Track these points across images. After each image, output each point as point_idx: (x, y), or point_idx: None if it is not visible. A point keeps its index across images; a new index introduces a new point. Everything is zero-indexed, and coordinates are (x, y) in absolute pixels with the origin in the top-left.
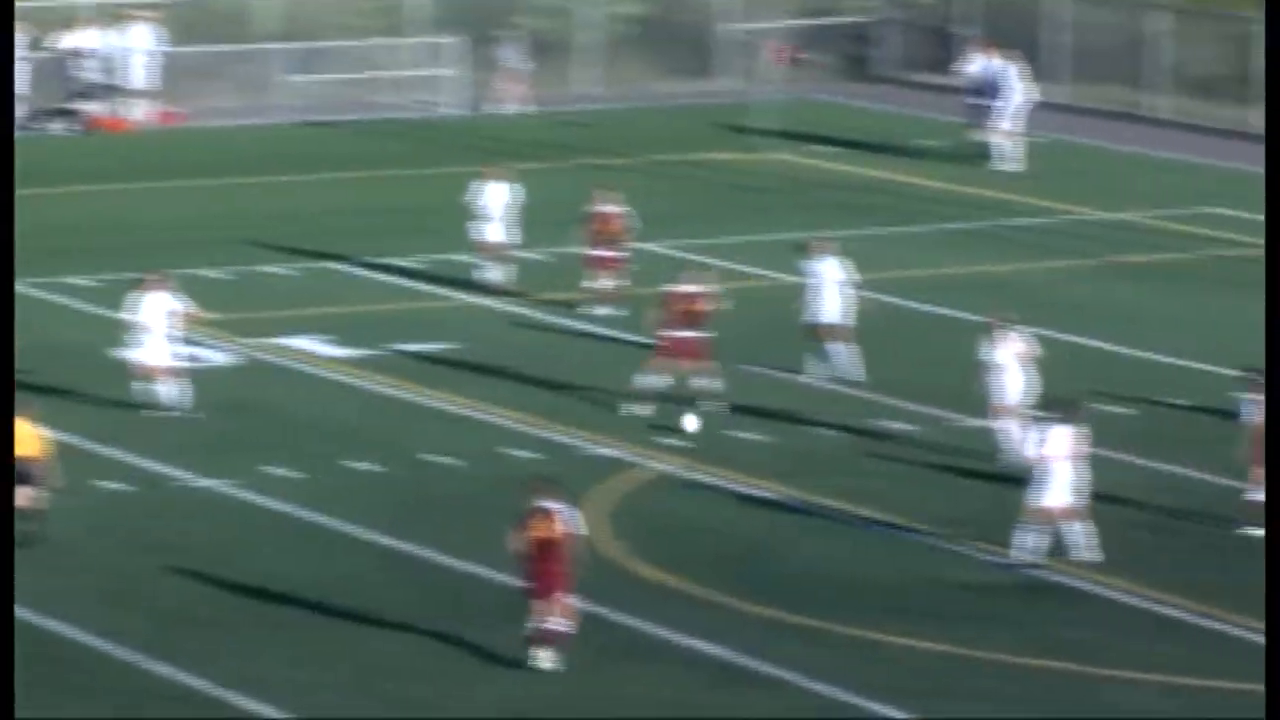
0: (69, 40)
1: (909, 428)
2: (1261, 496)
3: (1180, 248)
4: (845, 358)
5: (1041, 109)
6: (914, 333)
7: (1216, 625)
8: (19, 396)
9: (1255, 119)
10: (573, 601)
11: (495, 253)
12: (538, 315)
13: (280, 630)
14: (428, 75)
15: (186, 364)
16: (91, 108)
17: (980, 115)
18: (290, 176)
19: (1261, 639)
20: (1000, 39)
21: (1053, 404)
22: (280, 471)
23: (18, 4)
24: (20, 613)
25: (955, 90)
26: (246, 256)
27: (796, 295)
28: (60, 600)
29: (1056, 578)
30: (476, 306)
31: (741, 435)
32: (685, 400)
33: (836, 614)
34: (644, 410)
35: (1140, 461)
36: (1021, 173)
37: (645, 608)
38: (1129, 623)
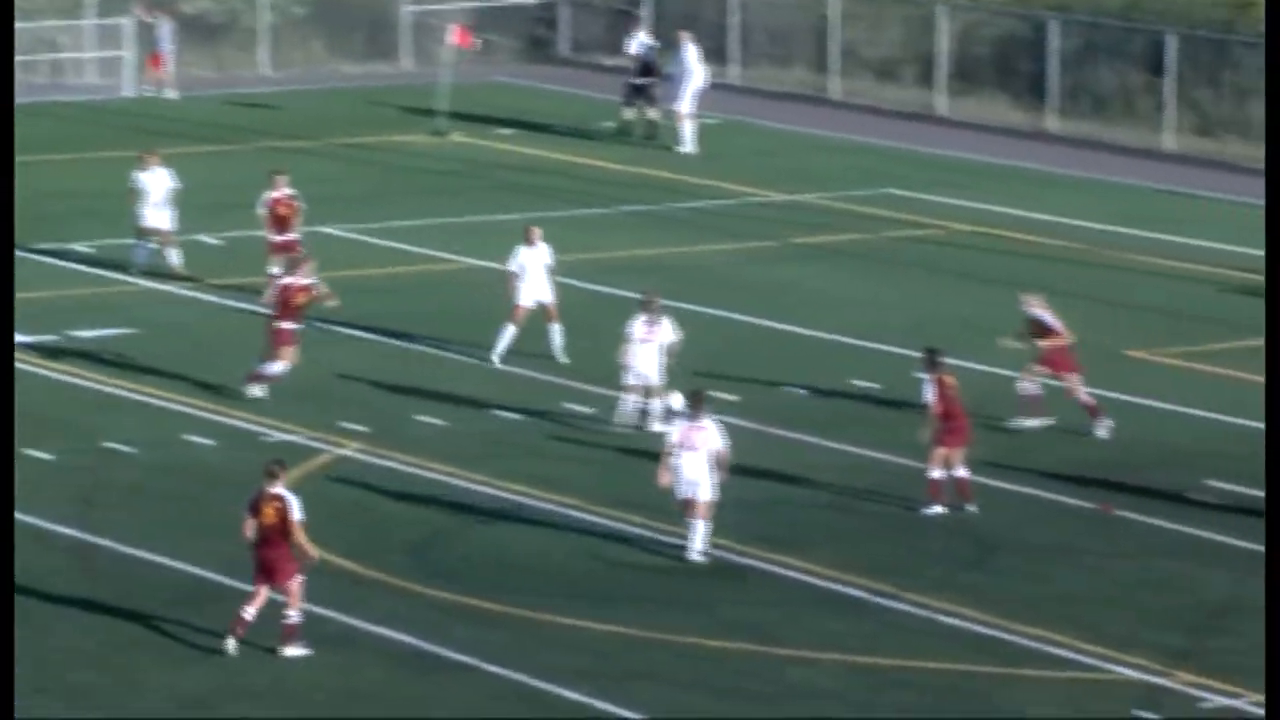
0: None
1: (591, 410)
2: (938, 474)
3: (861, 229)
4: (559, 338)
5: (723, 91)
6: (594, 316)
7: (897, 605)
8: None
9: (939, 102)
10: (299, 589)
11: (160, 238)
12: (212, 300)
13: None
14: (107, 57)
15: None
16: None
17: (638, 95)
18: None
19: (944, 618)
20: (681, 20)
21: (690, 397)
22: None
23: None
24: None
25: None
26: None
27: (501, 279)
28: None
29: (738, 559)
30: (152, 291)
31: (423, 419)
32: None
33: (519, 598)
34: (261, 392)
35: (821, 442)
36: (700, 155)
37: (329, 594)
38: (811, 602)
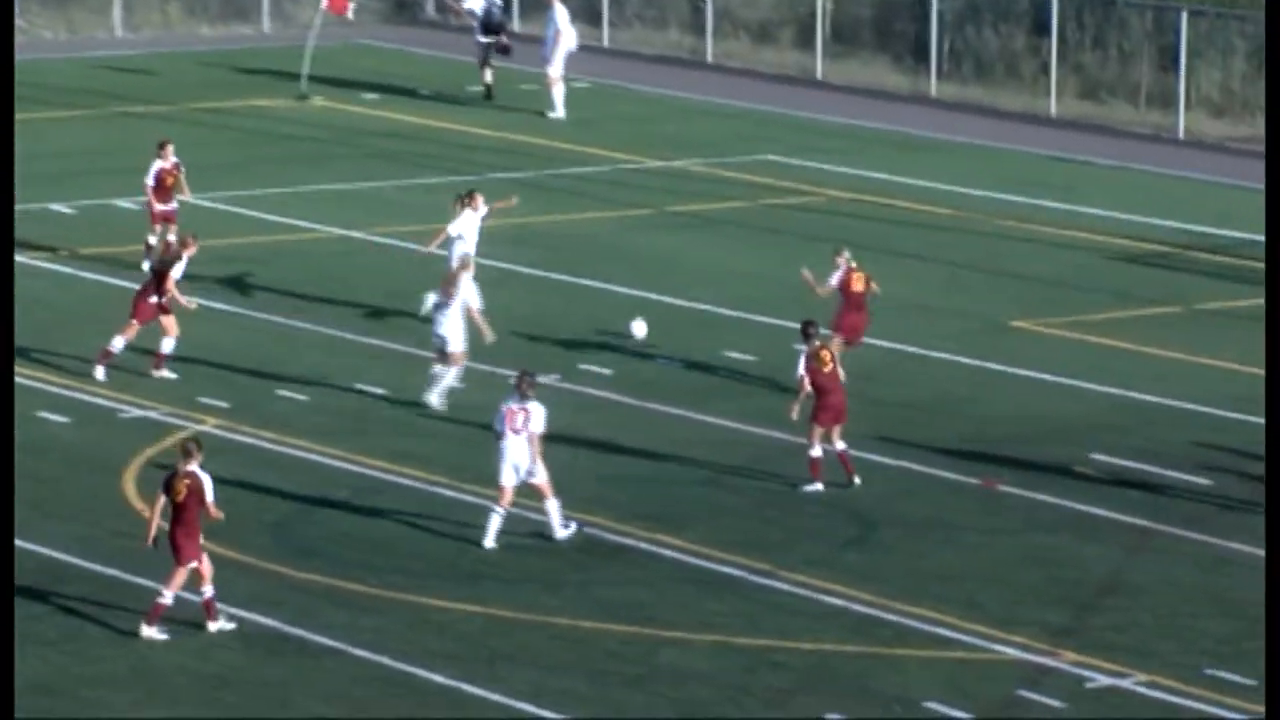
0: None
1: (460, 386)
2: (817, 452)
3: (738, 196)
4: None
5: (594, 54)
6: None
7: (774, 583)
8: None
9: (818, 65)
10: (208, 568)
11: None
12: (66, 270)
13: None
14: None
15: None
16: None
17: (484, 52)
18: None
19: (823, 597)
20: None
21: (517, 379)
22: None
23: None
24: None
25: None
26: None
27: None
28: None
29: (613, 537)
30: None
31: (285, 394)
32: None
33: (384, 578)
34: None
35: (695, 415)
36: (572, 120)
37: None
38: (686, 582)
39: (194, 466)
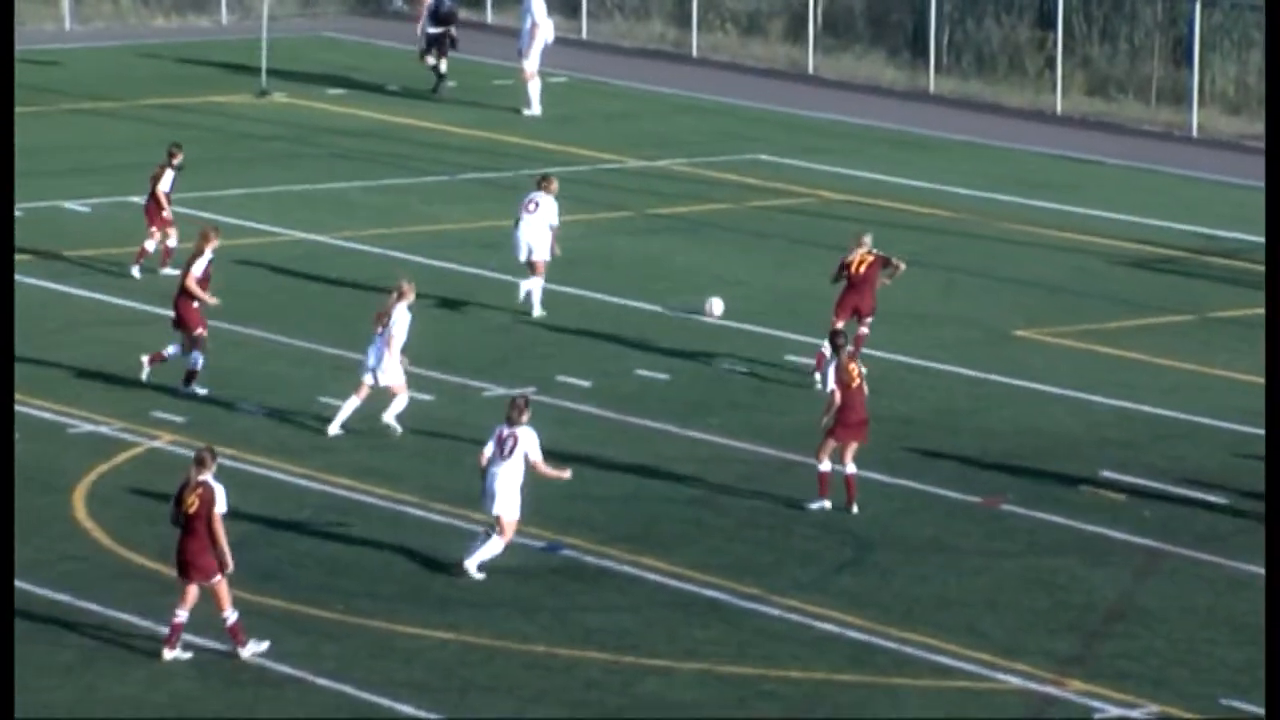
0: None
1: (428, 398)
2: (826, 467)
3: (726, 198)
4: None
5: (571, 47)
6: (436, 294)
7: (765, 608)
8: None
9: (810, 60)
10: (225, 590)
11: None
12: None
13: None
14: None
15: None
16: None
17: (437, 44)
18: None
19: (816, 623)
20: None
21: (509, 404)
22: None
23: None
24: None
25: (481, 28)
26: None
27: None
28: None
29: (593, 560)
30: None
31: (244, 408)
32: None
33: (350, 602)
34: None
35: (680, 430)
36: (549, 117)
37: (137, 600)
38: (671, 607)
39: (207, 476)
